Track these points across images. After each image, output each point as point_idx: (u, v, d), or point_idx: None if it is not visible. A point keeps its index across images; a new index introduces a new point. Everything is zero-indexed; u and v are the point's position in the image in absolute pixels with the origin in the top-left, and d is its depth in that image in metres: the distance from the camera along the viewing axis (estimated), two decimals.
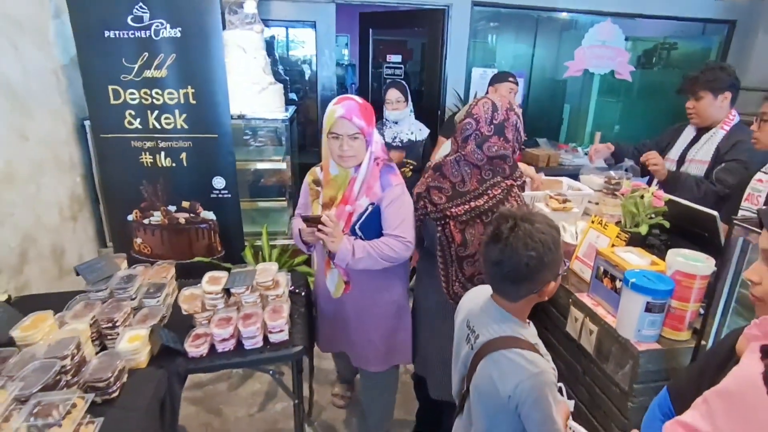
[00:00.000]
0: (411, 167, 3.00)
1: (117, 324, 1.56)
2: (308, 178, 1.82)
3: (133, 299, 1.70)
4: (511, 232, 1.03)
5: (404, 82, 3.04)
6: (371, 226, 1.68)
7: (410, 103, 3.01)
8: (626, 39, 4.08)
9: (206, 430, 2.24)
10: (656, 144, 2.44)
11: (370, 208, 1.66)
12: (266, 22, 3.31)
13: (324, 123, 1.65)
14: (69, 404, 1.10)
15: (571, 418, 1.38)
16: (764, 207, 0.72)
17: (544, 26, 5.03)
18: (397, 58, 4.15)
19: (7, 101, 2.04)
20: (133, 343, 1.49)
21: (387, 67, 4.20)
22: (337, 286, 1.80)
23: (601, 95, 4.59)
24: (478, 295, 1.23)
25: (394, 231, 1.64)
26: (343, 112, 1.57)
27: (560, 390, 1.37)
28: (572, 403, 1.33)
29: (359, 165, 1.65)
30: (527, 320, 1.18)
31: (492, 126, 1.47)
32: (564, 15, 4.58)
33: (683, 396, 0.81)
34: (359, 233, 1.68)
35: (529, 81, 4.95)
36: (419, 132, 3.07)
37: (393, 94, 2.95)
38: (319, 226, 1.60)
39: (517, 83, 2.85)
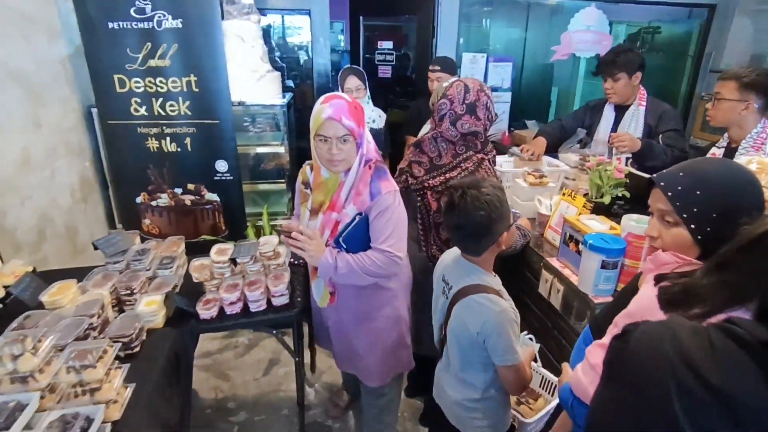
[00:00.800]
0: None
1: (134, 291, 1.74)
2: (299, 179, 1.70)
3: (147, 270, 1.88)
4: (461, 200, 1.22)
5: (361, 68, 2.92)
6: (356, 237, 1.56)
7: (368, 90, 2.90)
8: (612, 24, 4.20)
9: (216, 393, 2.43)
10: (575, 120, 2.66)
11: (357, 219, 1.54)
12: (262, 11, 3.43)
13: (311, 123, 1.51)
14: (101, 350, 1.27)
15: (539, 362, 1.57)
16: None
17: (535, 11, 5.13)
18: (389, 44, 4.26)
19: (22, 91, 2.19)
20: (150, 307, 1.67)
21: (378, 53, 4.30)
22: (323, 296, 1.70)
23: (588, 77, 4.71)
24: (451, 255, 1.41)
25: (380, 245, 1.53)
26: (331, 113, 1.44)
27: (531, 339, 1.56)
28: (538, 346, 1.52)
29: (350, 169, 1.53)
30: (493, 273, 1.35)
31: (464, 105, 1.62)
32: (552, 0, 4.68)
33: (600, 328, 0.99)
34: (343, 245, 1.57)
35: (522, 65, 5.08)
36: (379, 119, 2.97)
37: (352, 82, 2.78)
38: (290, 241, 1.52)
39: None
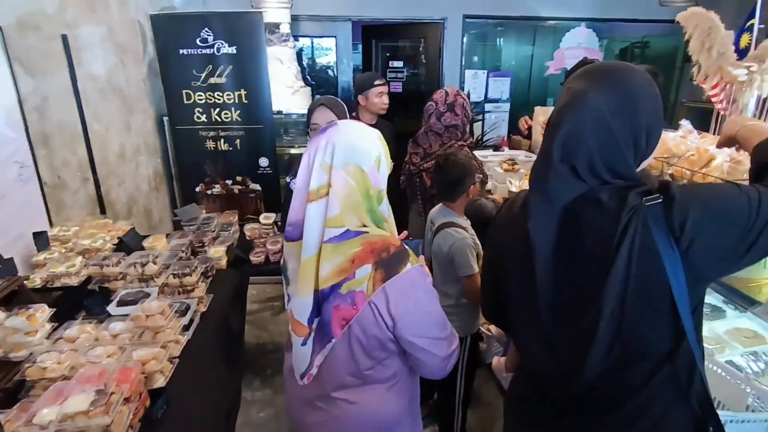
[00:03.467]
0: None
1: (205, 243, 2.39)
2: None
3: (213, 231, 2.53)
4: (444, 161, 1.83)
5: (338, 98, 2.07)
6: None
7: None
8: (602, 39, 4.75)
9: (257, 339, 3.06)
10: None
11: None
12: (296, 37, 4.14)
13: (382, 154, 1.09)
14: (193, 266, 1.91)
15: None
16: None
17: (541, 31, 5.73)
18: (399, 63, 4.91)
19: (120, 103, 2.92)
20: (217, 254, 2.31)
21: (390, 71, 4.95)
22: None
23: None
24: (437, 207, 2.02)
25: None
26: None
27: None
28: None
29: None
30: (464, 216, 1.93)
31: (446, 105, 2.23)
32: (552, 22, 5.27)
33: None
34: None
35: (530, 79, 5.65)
36: None
37: (322, 117, 1.90)
38: None
39: (385, 83, 2.52)
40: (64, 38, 2.29)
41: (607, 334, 0.85)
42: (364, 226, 1.04)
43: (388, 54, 4.81)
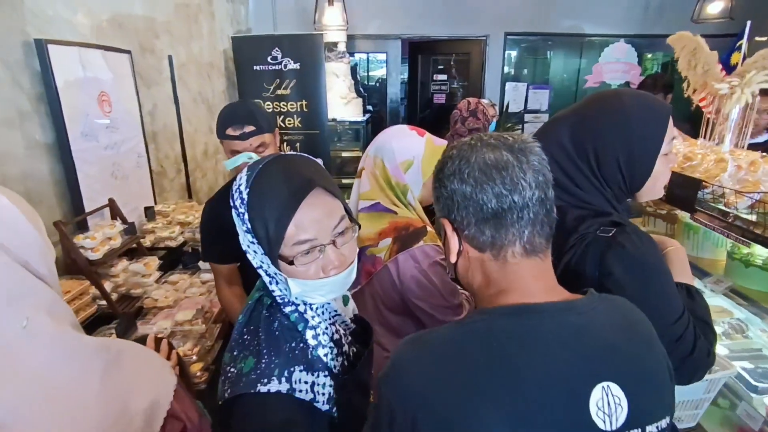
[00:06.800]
0: None
1: None
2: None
3: None
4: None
5: None
6: None
7: None
8: (641, 54, 4.91)
9: None
10: None
11: None
12: (352, 54, 4.67)
13: (418, 161, 1.33)
14: None
15: None
16: None
17: (587, 46, 5.93)
18: (443, 76, 5.31)
19: (206, 109, 3.54)
20: None
21: (434, 84, 5.36)
22: None
23: None
24: None
25: None
26: None
27: None
28: None
29: None
30: None
31: (468, 111, 2.62)
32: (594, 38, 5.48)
33: None
34: None
35: (576, 91, 5.86)
36: None
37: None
38: None
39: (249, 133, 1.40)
40: (170, 58, 2.91)
41: None
42: (395, 205, 1.30)
43: (432, 68, 5.22)
